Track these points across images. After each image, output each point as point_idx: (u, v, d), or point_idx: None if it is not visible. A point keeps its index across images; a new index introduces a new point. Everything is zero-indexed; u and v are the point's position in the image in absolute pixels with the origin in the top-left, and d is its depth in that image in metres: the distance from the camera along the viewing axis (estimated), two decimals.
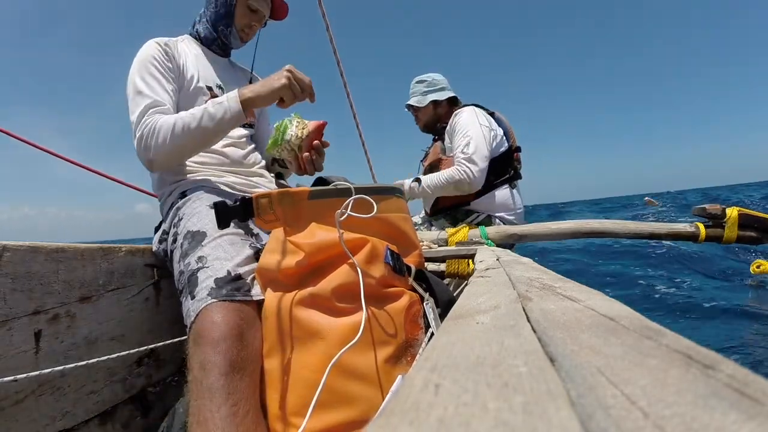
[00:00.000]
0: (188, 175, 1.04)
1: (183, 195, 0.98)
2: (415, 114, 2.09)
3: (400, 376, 0.54)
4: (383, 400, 0.56)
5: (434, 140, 2.11)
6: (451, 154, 1.86)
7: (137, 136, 0.96)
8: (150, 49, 1.06)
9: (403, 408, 0.14)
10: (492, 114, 1.94)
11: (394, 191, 0.75)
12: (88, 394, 0.82)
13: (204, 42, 1.21)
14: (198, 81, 1.11)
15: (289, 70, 0.95)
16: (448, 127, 1.93)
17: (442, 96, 2.00)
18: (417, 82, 2.06)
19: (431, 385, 0.16)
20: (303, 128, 0.99)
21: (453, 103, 2.03)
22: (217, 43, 1.21)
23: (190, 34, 1.23)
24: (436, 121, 2.03)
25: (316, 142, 0.99)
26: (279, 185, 1.22)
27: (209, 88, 1.12)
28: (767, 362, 1.63)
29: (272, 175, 1.24)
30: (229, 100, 0.95)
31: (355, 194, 0.65)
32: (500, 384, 0.16)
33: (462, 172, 1.74)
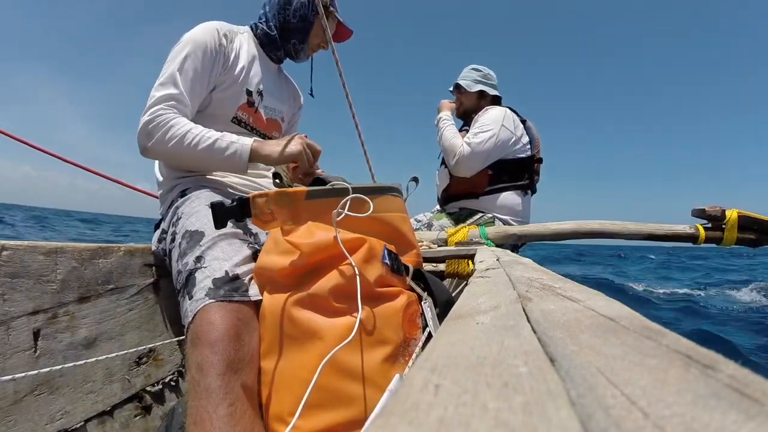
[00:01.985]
0: (190, 174, 1.04)
1: (183, 194, 0.98)
2: (458, 96, 2.13)
3: (397, 376, 0.54)
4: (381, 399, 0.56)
5: (462, 129, 2.13)
6: None
7: (147, 117, 0.95)
8: (208, 34, 1.03)
9: (403, 408, 0.14)
10: (524, 121, 1.98)
11: (392, 191, 0.75)
12: (86, 394, 0.82)
13: (263, 44, 1.19)
14: (241, 82, 1.09)
15: (302, 138, 0.99)
16: (475, 117, 1.97)
17: (491, 91, 2.06)
18: (472, 69, 2.11)
19: (431, 385, 0.16)
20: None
21: (495, 103, 2.07)
22: (279, 52, 1.20)
23: (251, 29, 1.19)
24: (474, 111, 2.07)
25: None
26: (276, 185, 1.22)
27: (249, 92, 1.11)
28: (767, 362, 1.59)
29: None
30: (243, 147, 0.96)
31: (353, 194, 0.65)
32: (500, 384, 0.16)
33: (461, 146, 1.84)
